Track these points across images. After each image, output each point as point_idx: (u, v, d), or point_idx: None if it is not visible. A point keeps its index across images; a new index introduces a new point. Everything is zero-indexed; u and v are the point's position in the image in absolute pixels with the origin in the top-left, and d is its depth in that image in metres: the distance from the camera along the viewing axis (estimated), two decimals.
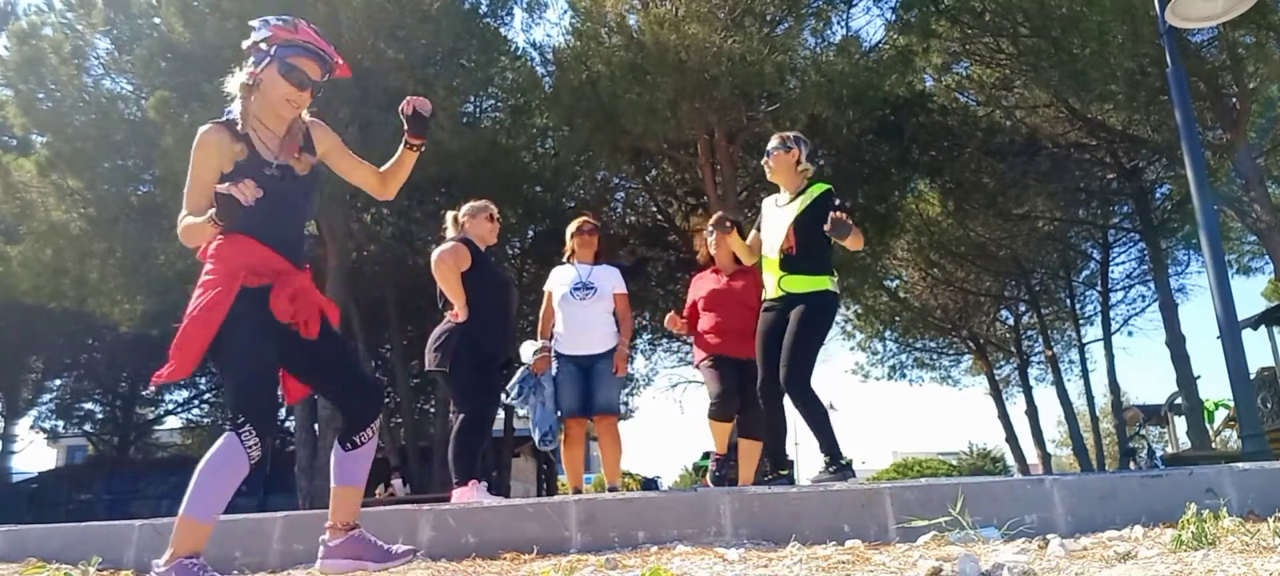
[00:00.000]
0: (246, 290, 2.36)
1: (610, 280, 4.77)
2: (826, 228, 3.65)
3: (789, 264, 3.88)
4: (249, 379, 2.38)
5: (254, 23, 2.50)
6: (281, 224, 2.52)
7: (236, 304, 2.33)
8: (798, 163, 4.03)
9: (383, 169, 2.78)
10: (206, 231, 2.36)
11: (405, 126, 2.66)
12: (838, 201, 3.82)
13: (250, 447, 2.29)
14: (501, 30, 13.79)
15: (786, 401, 4.03)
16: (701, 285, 4.93)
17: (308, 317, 2.45)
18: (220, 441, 2.31)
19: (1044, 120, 14.45)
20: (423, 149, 2.73)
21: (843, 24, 13.27)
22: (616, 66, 11.92)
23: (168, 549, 2.25)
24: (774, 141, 4.09)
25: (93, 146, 10.90)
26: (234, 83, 2.48)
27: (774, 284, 3.95)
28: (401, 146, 2.71)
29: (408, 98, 2.68)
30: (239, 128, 2.43)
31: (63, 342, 18.51)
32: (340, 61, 2.57)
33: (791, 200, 3.99)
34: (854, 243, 3.75)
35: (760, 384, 3.99)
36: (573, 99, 12.53)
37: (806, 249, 3.87)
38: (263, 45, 2.46)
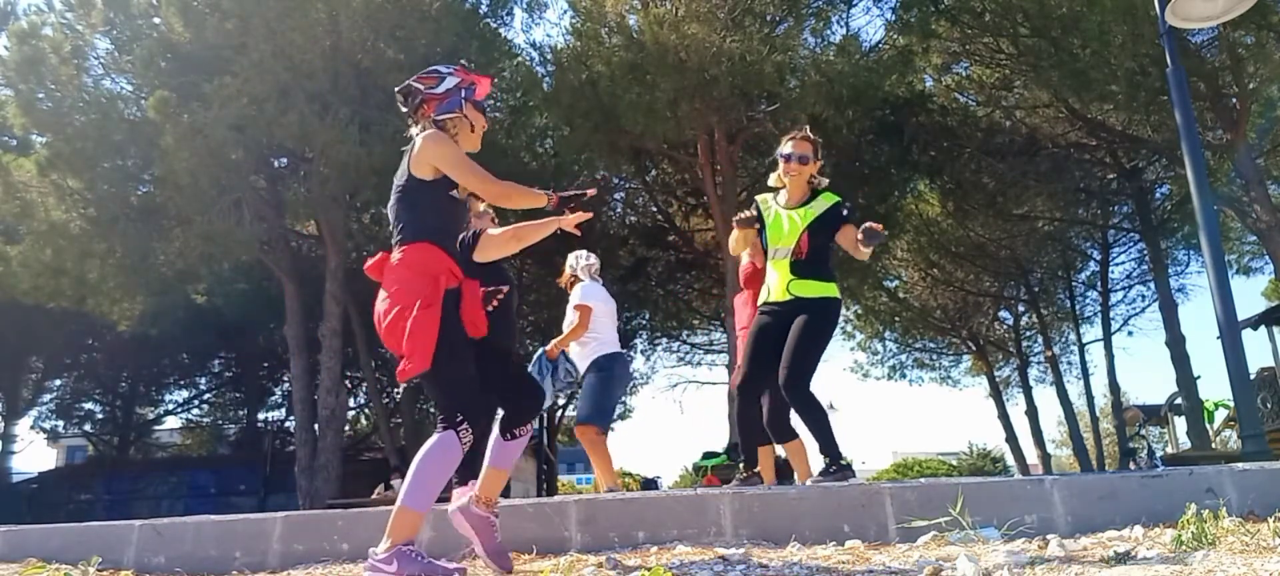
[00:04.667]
0: (447, 292, 2.62)
1: (576, 295, 5.13)
2: (860, 238, 3.63)
3: (799, 268, 3.84)
4: (461, 379, 2.59)
5: (439, 68, 2.85)
6: (456, 236, 2.83)
7: (445, 306, 2.58)
8: (811, 178, 3.99)
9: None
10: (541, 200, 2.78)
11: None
12: (849, 209, 3.85)
13: (465, 442, 2.53)
14: (501, 30, 13.79)
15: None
16: (744, 312, 5.04)
17: (478, 319, 2.75)
18: (438, 437, 2.52)
19: (1044, 120, 14.44)
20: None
21: (843, 24, 13.30)
22: (616, 66, 11.92)
23: (385, 538, 2.44)
24: (801, 148, 3.94)
25: (93, 146, 10.89)
26: (418, 130, 2.77)
27: (781, 287, 3.89)
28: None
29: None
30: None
31: (63, 342, 18.48)
32: (482, 83, 2.94)
33: (799, 206, 3.93)
34: (867, 253, 3.74)
35: (741, 382, 3.93)
36: (573, 99, 12.53)
37: (816, 254, 3.86)
38: (457, 88, 2.83)
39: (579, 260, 5.30)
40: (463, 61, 2.94)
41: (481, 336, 2.72)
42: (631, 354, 4.87)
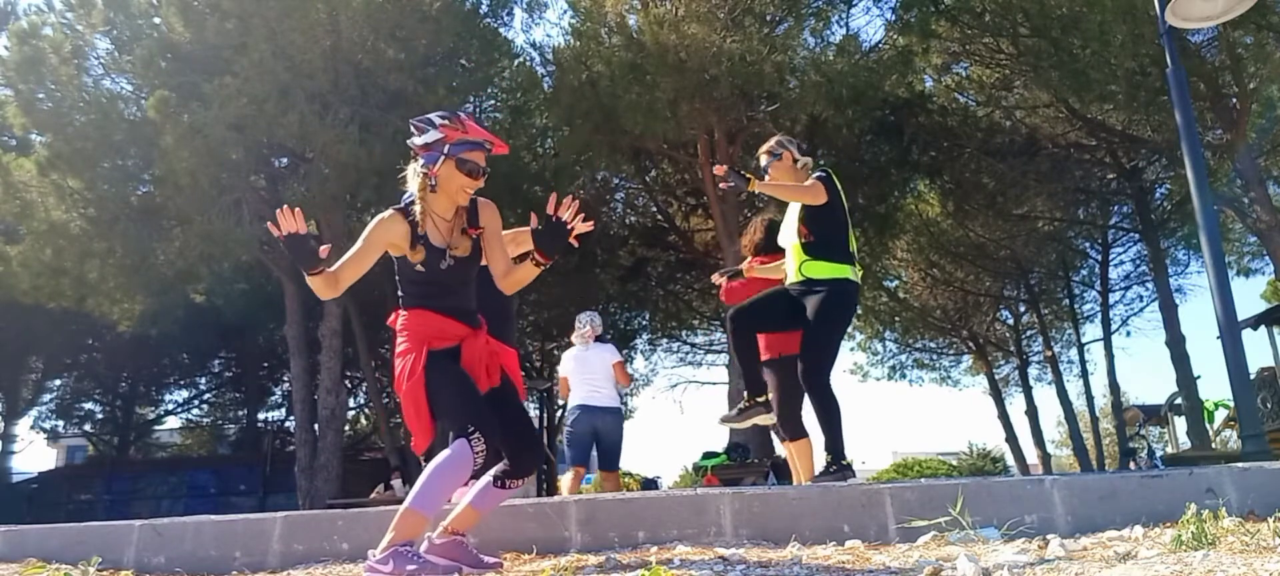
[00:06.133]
0: (435, 352, 2.70)
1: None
2: (720, 186, 3.73)
3: (809, 249, 3.86)
4: (464, 403, 2.67)
5: (432, 118, 2.76)
6: (456, 297, 2.83)
7: (430, 362, 2.66)
8: (794, 162, 4.04)
9: (509, 270, 2.95)
10: (317, 285, 2.64)
11: (533, 242, 2.77)
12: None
13: (478, 452, 2.55)
14: (501, 30, 13.78)
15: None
16: None
17: (485, 373, 2.80)
18: (453, 447, 2.58)
19: (1044, 120, 14.45)
20: (546, 267, 2.85)
21: (842, 24, 13.30)
22: (616, 66, 11.92)
23: (387, 534, 2.51)
24: (765, 159, 4.11)
25: (93, 146, 10.88)
26: (413, 181, 2.76)
27: (795, 268, 3.91)
28: (527, 259, 2.86)
29: (560, 203, 2.73)
30: (418, 227, 2.71)
31: (63, 342, 18.48)
32: (499, 143, 2.83)
33: None
34: (789, 193, 3.81)
35: (733, 312, 4.00)
36: (572, 99, 12.53)
37: (822, 236, 3.86)
38: (438, 144, 2.73)
39: (578, 324, 6.12)
40: (443, 116, 2.78)
41: (495, 383, 2.81)
42: (607, 404, 5.66)
